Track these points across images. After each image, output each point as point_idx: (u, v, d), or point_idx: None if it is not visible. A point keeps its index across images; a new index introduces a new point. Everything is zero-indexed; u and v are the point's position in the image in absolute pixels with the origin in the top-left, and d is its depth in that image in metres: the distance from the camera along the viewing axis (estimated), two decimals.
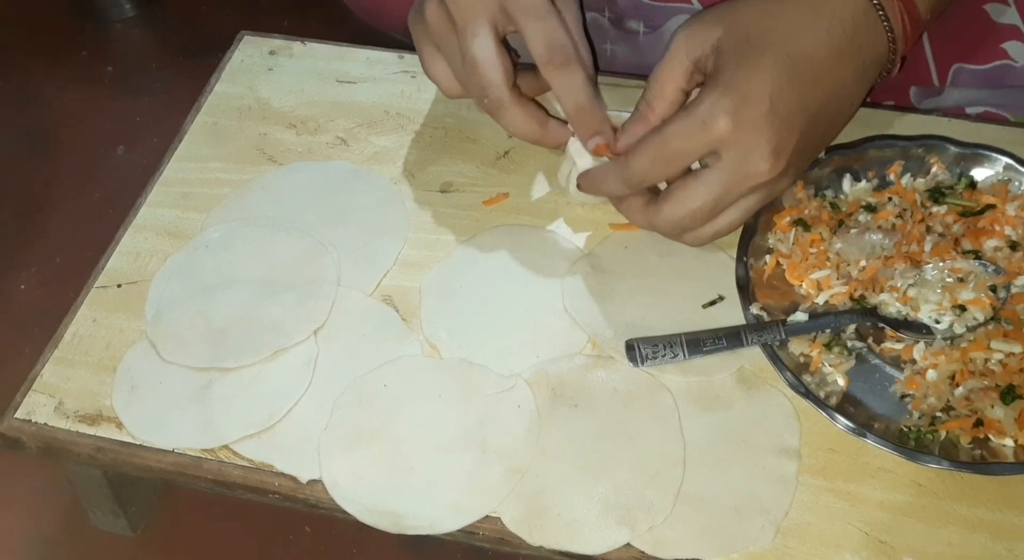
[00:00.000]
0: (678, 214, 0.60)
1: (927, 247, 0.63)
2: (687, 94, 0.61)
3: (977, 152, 0.68)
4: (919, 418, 0.59)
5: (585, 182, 0.65)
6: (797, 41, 0.57)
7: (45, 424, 0.62)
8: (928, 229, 0.65)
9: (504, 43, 0.63)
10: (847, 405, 0.60)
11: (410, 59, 0.81)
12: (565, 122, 0.66)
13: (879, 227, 0.65)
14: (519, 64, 0.65)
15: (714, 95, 0.57)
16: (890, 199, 0.67)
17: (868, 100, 0.78)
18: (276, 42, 0.83)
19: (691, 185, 0.59)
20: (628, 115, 0.67)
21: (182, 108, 0.79)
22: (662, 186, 0.63)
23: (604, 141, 0.64)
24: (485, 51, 0.61)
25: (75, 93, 1.08)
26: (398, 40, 0.86)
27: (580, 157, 0.66)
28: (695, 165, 0.61)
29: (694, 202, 0.59)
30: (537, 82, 0.64)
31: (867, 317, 0.62)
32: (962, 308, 0.61)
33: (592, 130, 0.63)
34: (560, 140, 0.65)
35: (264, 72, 0.81)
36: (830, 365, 0.61)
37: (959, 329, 0.61)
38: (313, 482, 0.59)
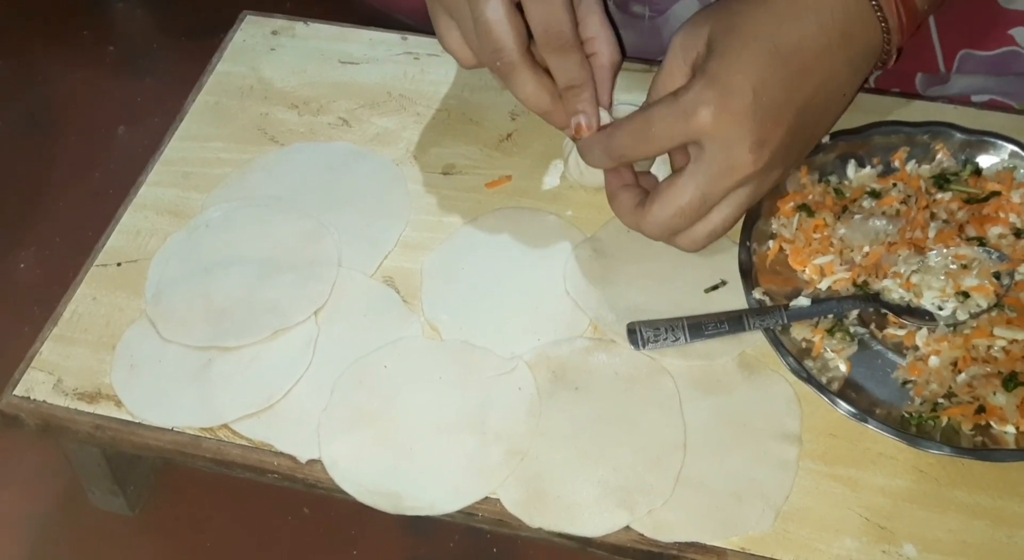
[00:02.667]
0: (667, 212, 0.59)
1: (931, 233, 0.63)
2: None
3: (983, 139, 0.68)
4: (921, 404, 0.59)
5: (581, 145, 0.64)
6: (784, 32, 0.57)
7: (44, 401, 0.62)
8: (932, 216, 0.64)
9: (520, 8, 0.62)
10: (849, 390, 0.59)
11: (413, 40, 0.80)
12: None
13: (883, 213, 0.65)
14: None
15: (698, 85, 0.56)
16: (895, 185, 0.67)
17: (874, 86, 0.78)
18: (279, 22, 0.82)
19: (676, 181, 0.59)
20: (635, 108, 0.66)
21: (184, 89, 0.79)
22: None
23: (586, 121, 0.63)
24: (497, 14, 0.60)
25: (76, 73, 1.07)
26: (401, 21, 0.86)
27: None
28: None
29: (681, 198, 0.59)
30: None
31: (870, 303, 0.62)
32: (965, 295, 0.61)
33: (577, 108, 0.63)
34: (569, 116, 0.64)
35: (266, 52, 0.81)
36: (832, 350, 0.61)
37: (962, 316, 0.61)
38: (312, 462, 0.59)
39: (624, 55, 0.65)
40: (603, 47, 0.64)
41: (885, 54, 0.61)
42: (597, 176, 0.67)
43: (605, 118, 0.65)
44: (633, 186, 0.63)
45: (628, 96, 0.70)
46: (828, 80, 0.58)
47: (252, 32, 0.82)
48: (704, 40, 0.58)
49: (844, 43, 0.58)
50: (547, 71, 0.63)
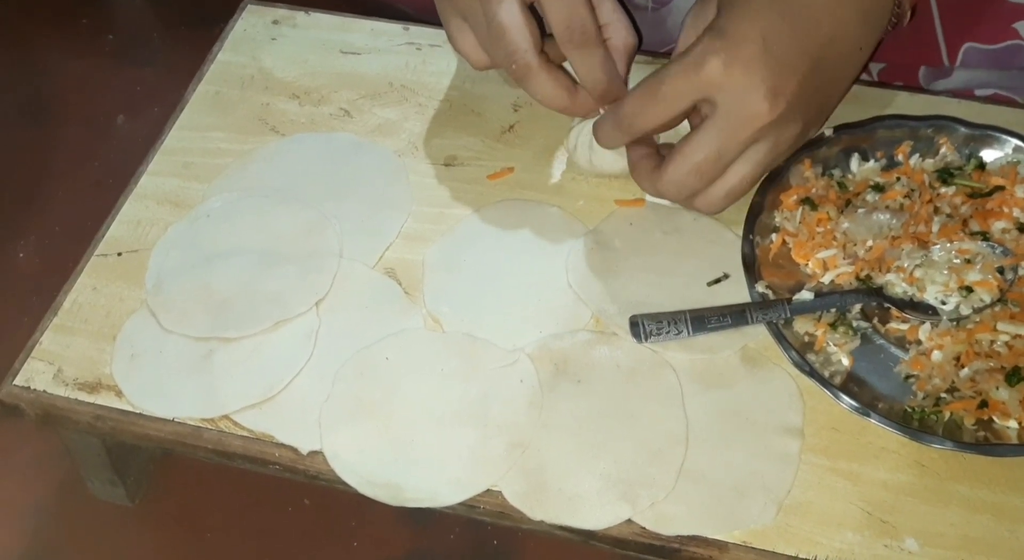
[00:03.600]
0: (683, 171, 0.59)
1: (935, 228, 0.63)
2: None
3: (987, 133, 0.67)
4: (923, 399, 0.59)
5: (596, 129, 0.64)
6: None
7: (44, 391, 0.62)
8: (936, 210, 0.64)
9: (531, 9, 0.62)
10: (851, 384, 0.59)
11: (415, 31, 0.80)
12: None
13: (887, 207, 0.65)
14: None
15: (706, 38, 0.56)
16: (898, 179, 0.66)
17: (877, 80, 0.78)
18: (280, 12, 0.82)
19: (691, 138, 0.58)
20: None
21: (183, 79, 0.78)
22: None
23: None
24: (511, 17, 0.60)
25: (75, 63, 1.07)
26: (403, 12, 0.85)
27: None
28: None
29: (697, 155, 0.58)
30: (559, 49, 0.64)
31: (873, 297, 0.62)
32: (969, 289, 0.61)
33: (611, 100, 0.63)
34: (589, 109, 0.64)
35: (267, 42, 0.80)
36: (835, 344, 0.61)
37: (965, 310, 0.60)
38: (313, 453, 0.59)
39: (641, 39, 0.65)
40: (617, 32, 0.64)
41: (899, 8, 0.61)
42: (605, 162, 0.67)
43: None
44: (654, 154, 0.63)
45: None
46: (840, 32, 0.58)
47: (253, 21, 0.82)
48: (713, 10, 0.59)
49: None
50: (561, 67, 0.63)
